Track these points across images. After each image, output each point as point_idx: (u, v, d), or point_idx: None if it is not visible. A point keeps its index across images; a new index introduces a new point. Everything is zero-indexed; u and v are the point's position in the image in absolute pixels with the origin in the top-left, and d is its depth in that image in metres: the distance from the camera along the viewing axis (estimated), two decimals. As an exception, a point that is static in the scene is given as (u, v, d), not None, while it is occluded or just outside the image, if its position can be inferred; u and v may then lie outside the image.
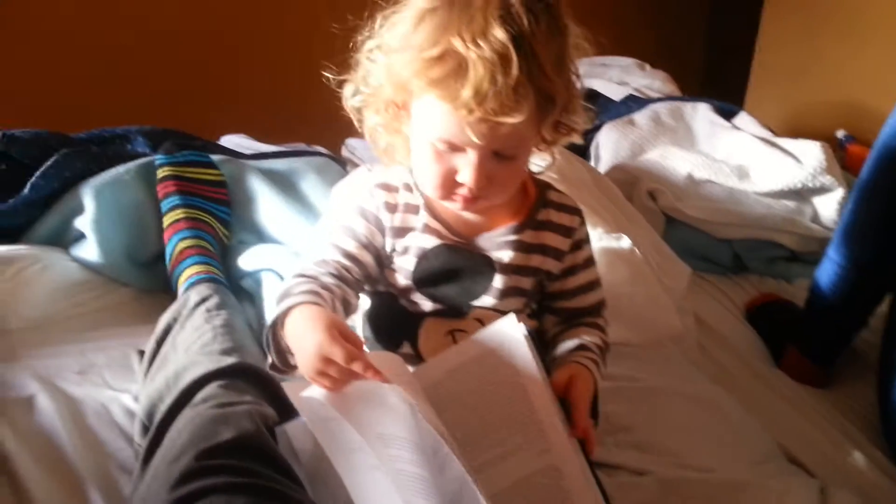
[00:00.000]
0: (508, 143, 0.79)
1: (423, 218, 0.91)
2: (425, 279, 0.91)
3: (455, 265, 0.91)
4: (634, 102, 2.11)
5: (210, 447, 0.76)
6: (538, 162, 0.97)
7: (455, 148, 0.80)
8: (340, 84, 0.88)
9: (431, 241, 0.91)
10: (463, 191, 0.83)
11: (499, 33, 0.73)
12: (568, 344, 0.94)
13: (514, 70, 0.72)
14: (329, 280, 0.87)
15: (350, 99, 0.88)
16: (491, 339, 0.84)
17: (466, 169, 0.81)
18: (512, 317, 0.84)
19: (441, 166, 0.82)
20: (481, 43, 0.72)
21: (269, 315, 0.84)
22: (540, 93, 0.76)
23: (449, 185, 0.83)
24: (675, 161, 1.74)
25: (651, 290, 1.28)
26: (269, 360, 0.84)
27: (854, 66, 2.52)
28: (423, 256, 0.91)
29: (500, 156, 0.81)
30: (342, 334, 0.73)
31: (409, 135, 0.87)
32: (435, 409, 0.82)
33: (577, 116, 0.88)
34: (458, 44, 0.73)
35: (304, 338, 0.75)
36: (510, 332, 0.83)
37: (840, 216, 1.47)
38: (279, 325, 0.81)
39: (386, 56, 0.82)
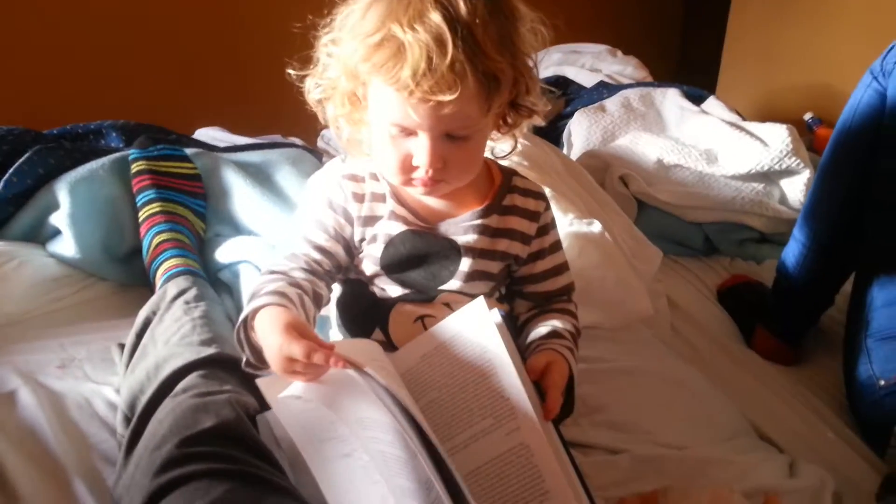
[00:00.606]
0: (456, 123, 0.82)
1: (390, 205, 0.93)
2: (393, 265, 0.93)
3: (421, 250, 0.93)
4: (606, 89, 2.13)
5: (191, 435, 0.77)
6: (503, 147, 0.99)
7: (408, 132, 0.83)
8: (303, 79, 0.90)
9: (398, 228, 0.93)
10: (420, 173, 0.85)
11: (434, 17, 0.76)
12: (541, 330, 0.95)
13: (450, 50, 0.75)
14: (299, 275, 0.89)
15: (311, 92, 0.90)
16: (461, 323, 0.86)
17: (420, 152, 0.83)
18: (481, 299, 0.85)
19: (397, 151, 0.85)
20: (417, 27, 0.76)
21: (242, 314, 0.86)
22: (482, 73, 0.78)
23: (406, 169, 0.86)
24: (645, 146, 1.76)
25: (622, 273, 1.30)
26: (244, 358, 0.86)
27: (822, 49, 2.56)
28: (390, 243, 0.93)
29: (452, 137, 0.83)
30: (300, 333, 0.76)
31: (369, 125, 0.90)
32: (411, 395, 0.84)
33: (536, 97, 0.90)
34: (396, 29, 0.77)
35: (268, 340, 0.78)
36: (479, 314, 0.85)
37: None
38: (249, 325, 0.83)
39: (339, 47, 0.85)
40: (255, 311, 0.82)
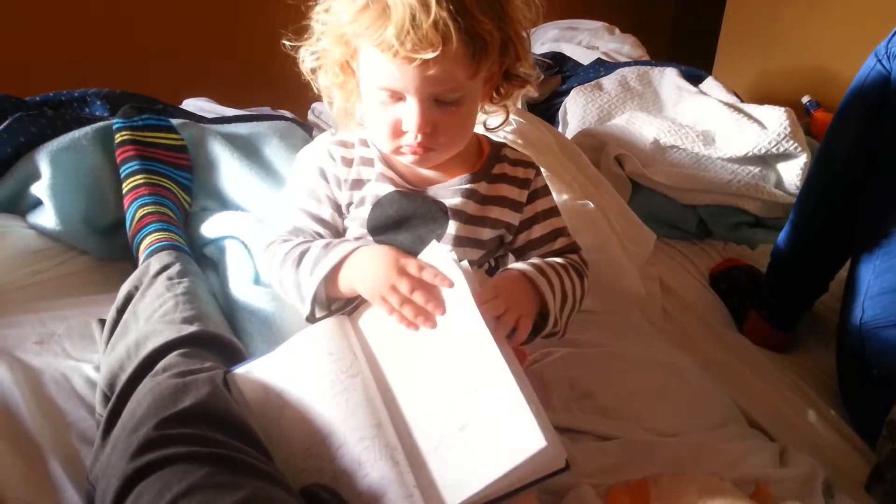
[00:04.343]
0: (443, 85, 0.82)
1: (378, 168, 0.94)
2: (380, 226, 0.94)
3: (408, 212, 0.93)
4: (603, 67, 2.10)
5: (170, 416, 0.75)
6: (495, 120, 1.00)
7: (397, 97, 0.84)
8: (297, 50, 0.91)
9: (386, 189, 0.93)
10: (409, 139, 0.86)
11: None
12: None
13: (433, 9, 0.76)
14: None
15: (305, 62, 0.91)
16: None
17: (409, 116, 0.84)
18: (439, 246, 0.87)
19: (387, 117, 0.86)
20: None
21: (303, 270, 0.90)
22: (467, 33, 0.79)
23: (396, 135, 0.87)
24: (641, 126, 1.74)
25: (615, 256, 1.28)
26: (306, 312, 0.91)
27: (821, 32, 2.54)
28: (377, 204, 0.93)
29: (441, 102, 0.84)
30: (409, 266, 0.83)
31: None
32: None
33: (528, 67, 0.91)
34: None
35: (372, 267, 0.85)
36: (438, 255, 0.85)
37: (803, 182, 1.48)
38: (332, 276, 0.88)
39: (329, 14, 0.86)
40: (347, 255, 0.87)
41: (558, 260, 0.95)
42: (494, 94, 0.94)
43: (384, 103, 0.85)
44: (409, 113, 0.84)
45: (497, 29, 0.82)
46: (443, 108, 0.84)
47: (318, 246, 0.90)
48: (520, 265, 0.91)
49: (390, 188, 0.93)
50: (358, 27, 0.80)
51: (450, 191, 0.94)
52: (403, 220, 0.93)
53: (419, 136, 0.85)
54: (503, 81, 0.92)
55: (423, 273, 0.82)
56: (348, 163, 0.96)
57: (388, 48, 0.78)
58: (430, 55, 0.77)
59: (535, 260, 0.94)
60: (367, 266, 0.85)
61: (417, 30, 0.76)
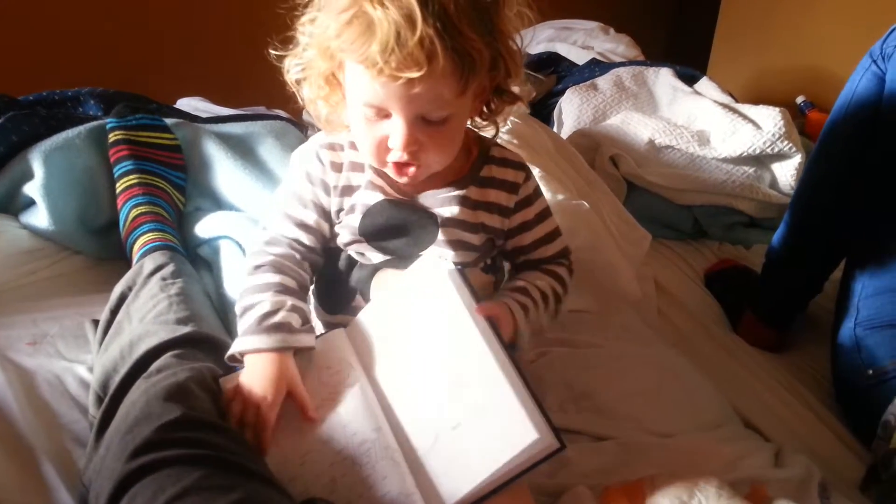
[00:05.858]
0: (429, 104, 0.80)
1: (368, 175, 0.93)
2: (371, 235, 0.93)
3: (399, 220, 0.92)
4: (598, 66, 2.10)
5: (164, 419, 0.75)
6: (485, 134, 0.98)
7: (383, 114, 0.82)
8: (282, 60, 0.89)
9: (375, 197, 0.92)
10: (394, 156, 0.84)
11: None
12: (513, 283, 0.96)
13: (419, 26, 0.73)
14: (287, 267, 0.92)
15: (290, 72, 0.89)
16: (417, 280, 0.88)
17: (395, 134, 0.82)
18: (431, 254, 0.88)
19: (373, 134, 0.84)
20: (388, 3, 0.74)
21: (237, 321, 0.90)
22: (454, 51, 0.76)
23: (382, 151, 0.85)
24: (636, 126, 1.74)
25: (611, 256, 1.28)
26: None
27: (815, 32, 2.54)
28: (367, 213, 0.92)
29: (427, 121, 0.82)
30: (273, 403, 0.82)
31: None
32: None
33: (519, 82, 0.89)
34: (367, 5, 0.75)
35: (254, 385, 0.83)
36: (434, 271, 0.86)
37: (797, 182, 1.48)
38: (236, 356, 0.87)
39: (315, 26, 0.83)
40: (245, 353, 0.86)
41: (543, 287, 0.96)
42: (485, 110, 0.91)
43: (370, 119, 0.83)
44: (395, 131, 0.81)
45: (486, 45, 0.79)
46: (429, 126, 0.82)
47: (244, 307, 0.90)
48: (511, 303, 0.91)
49: (380, 196, 0.92)
50: (342, 42, 0.78)
51: (439, 199, 0.92)
52: (395, 227, 0.93)
53: (405, 155, 0.83)
54: (493, 97, 0.90)
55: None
56: (337, 168, 0.94)
57: (373, 65, 0.75)
58: (414, 74, 0.75)
59: (525, 296, 0.94)
60: (250, 382, 0.84)
61: (402, 48, 0.73)
